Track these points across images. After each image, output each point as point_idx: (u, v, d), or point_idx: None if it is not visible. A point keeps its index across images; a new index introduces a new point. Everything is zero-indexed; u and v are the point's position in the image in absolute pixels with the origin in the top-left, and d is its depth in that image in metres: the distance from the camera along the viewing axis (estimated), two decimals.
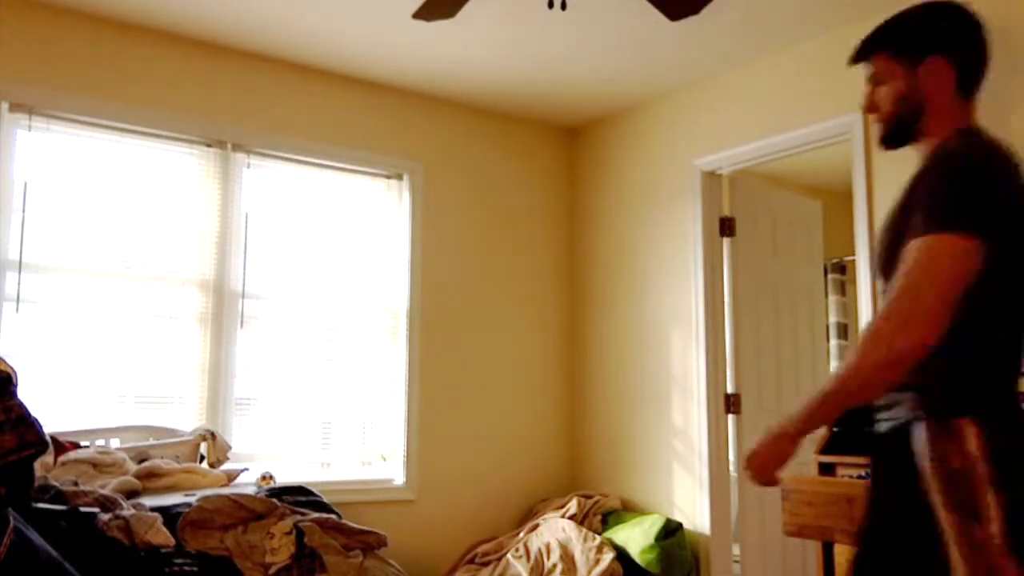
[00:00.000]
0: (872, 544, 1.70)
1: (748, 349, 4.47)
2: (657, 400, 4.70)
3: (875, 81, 1.84)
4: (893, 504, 1.67)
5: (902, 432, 1.66)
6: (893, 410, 1.70)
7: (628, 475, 4.82)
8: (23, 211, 3.74)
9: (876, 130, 1.87)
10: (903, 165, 3.71)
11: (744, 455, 1.81)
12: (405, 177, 4.78)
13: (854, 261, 3.97)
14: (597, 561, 4.12)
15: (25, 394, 2.56)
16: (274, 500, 3.22)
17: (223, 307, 4.18)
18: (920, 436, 1.61)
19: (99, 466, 3.33)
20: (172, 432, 3.89)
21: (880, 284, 1.78)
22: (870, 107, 1.86)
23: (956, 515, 1.54)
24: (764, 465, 1.70)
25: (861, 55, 1.86)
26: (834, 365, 6.29)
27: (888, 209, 1.80)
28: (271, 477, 3.95)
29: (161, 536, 2.83)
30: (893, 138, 1.83)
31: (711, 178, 4.60)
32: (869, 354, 1.56)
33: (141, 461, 3.53)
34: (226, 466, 4.07)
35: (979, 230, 1.55)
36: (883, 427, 1.73)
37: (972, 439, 1.56)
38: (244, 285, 4.24)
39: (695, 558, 4.35)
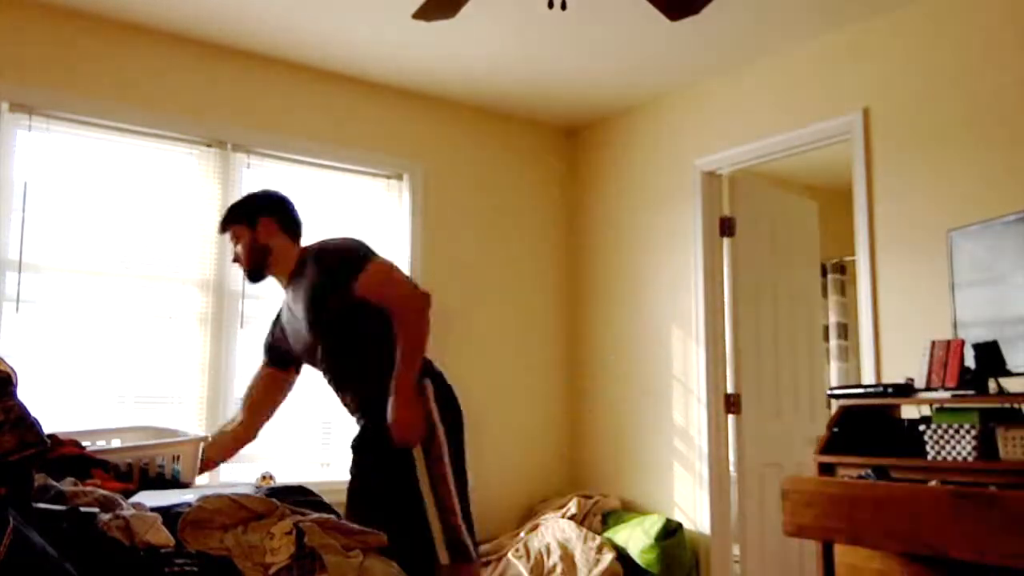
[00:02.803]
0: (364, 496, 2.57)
1: (748, 349, 4.46)
2: (657, 400, 4.70)
3: (234, 241, 2.75)
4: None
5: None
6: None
7: (628, 475, 4.82)
8: (23, 211, 3.74)
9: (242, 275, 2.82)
10: (903, 166, 3.71)
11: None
12: (405, 177, 4.78)
13: (854, 261, 3.96)
14: (597, 561, 4.12)
15: (25, 394, 2.56)
16: (274, 500, 3.22)
17: (223, 307, 4.18)
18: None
19: None
20: (172, 432, 3.88)
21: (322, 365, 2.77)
22: (236, 259, 2.78)
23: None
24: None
25: (223, 228, 2.77)
26: (833, 365, 6.29)
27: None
28: (271, 477, 3.95)
29: (161, 536, 2.82)
30: (254, 276, 2.77)
31: (711, 178, 4.60)
32: (411, 325, 2.58)
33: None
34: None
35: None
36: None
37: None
38: (244, 285, 4.24)
39: (695, 558, 4.35)
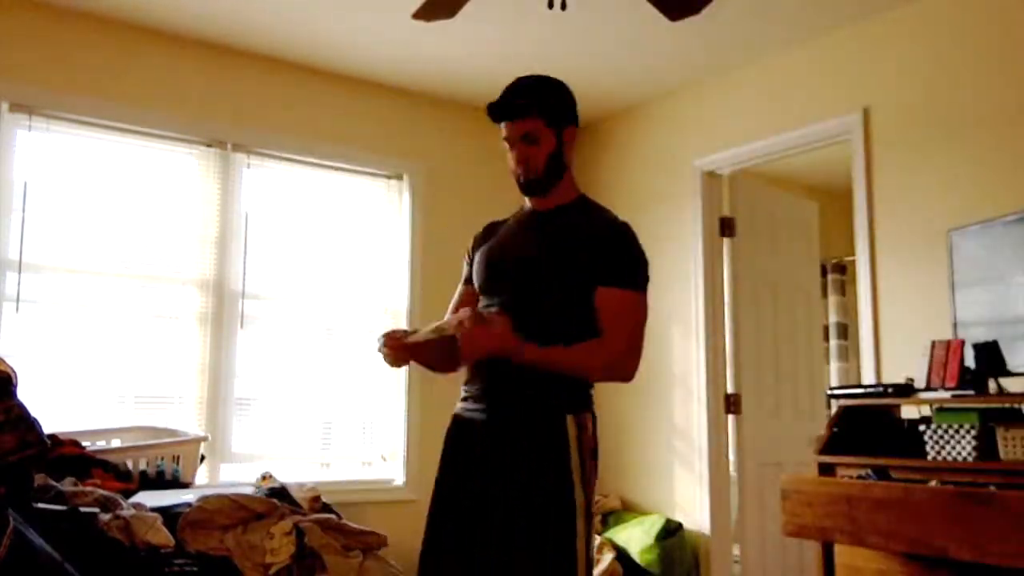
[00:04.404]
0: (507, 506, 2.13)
1: (748, 349, 4.46)
2: (657, 400, 4.70)
3: (529, 140, 2.20)
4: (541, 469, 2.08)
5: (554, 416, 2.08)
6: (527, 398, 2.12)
7: (628, 475, 4.82)
8: (23, 211, 3.74)
9: (520, 181, 2.27)
10: (903, 166, 3.71)
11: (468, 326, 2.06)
12: (405, 177, 4.78)
13: (854, 261, 3.96)
14: (597, 561, 4.12)
15: (25, 394, 2.56)
16: (274, 500, 3.22)
17: (223, 307, 4.18)
18: (568, 425, 2.08)
19: None
20: (172, 432, 3.89)
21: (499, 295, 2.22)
22: (521, 163, 2.22)
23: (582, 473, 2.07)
24: (474, 345, 2.03)
25: (515, 114, 2.24)
26: (833, 365, 6.29)
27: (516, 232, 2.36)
28: (271, 477, 3.95)
29: (161, 536, 2.83)
30: (536, 189, 2.24)
31: (711, 178, 4.59)
32: (600, 358, 2.11)
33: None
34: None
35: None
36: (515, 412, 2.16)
37: (590, 428, 2.12)
38: (244, 285, 4.24)
39: (695, 558, 4.35)
